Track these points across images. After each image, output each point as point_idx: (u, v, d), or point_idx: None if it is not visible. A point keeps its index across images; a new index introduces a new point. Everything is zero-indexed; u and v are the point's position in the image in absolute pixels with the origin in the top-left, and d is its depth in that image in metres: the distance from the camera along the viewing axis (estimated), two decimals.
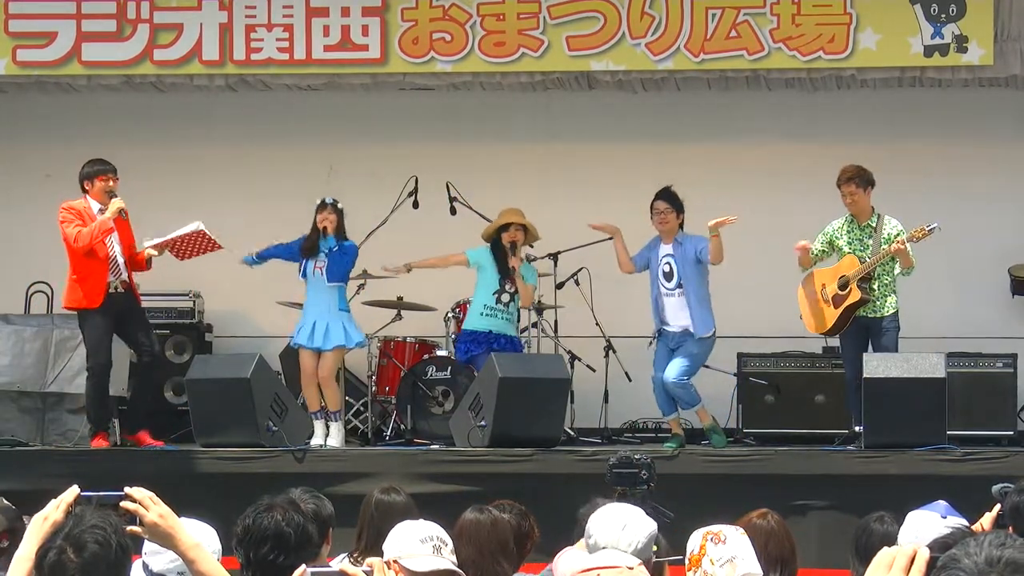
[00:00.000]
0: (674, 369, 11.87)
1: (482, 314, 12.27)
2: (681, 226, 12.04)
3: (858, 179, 11.78)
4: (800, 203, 13.70)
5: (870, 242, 11.70)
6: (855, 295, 11.61)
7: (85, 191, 11.68)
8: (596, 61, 12.71)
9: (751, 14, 12.54)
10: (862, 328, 11.77)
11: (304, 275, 11.97)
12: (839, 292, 11.70)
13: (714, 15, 12.56)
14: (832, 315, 11.76)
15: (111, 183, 11.65)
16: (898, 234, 11.56)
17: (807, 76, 12.83)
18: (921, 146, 13.42)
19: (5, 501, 5.83)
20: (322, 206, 11.95)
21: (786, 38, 12.54)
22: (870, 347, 11.70)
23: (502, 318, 12.25)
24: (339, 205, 11.95)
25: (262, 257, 12.16)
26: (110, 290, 11.57)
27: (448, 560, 4.93)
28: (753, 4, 12.54)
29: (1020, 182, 13.69)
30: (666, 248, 12.00)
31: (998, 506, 6.08)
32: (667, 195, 12.01)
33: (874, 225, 11.74)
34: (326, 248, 11.86)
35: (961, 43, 12.39)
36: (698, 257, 11.84)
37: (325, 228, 11.82)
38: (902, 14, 12.43)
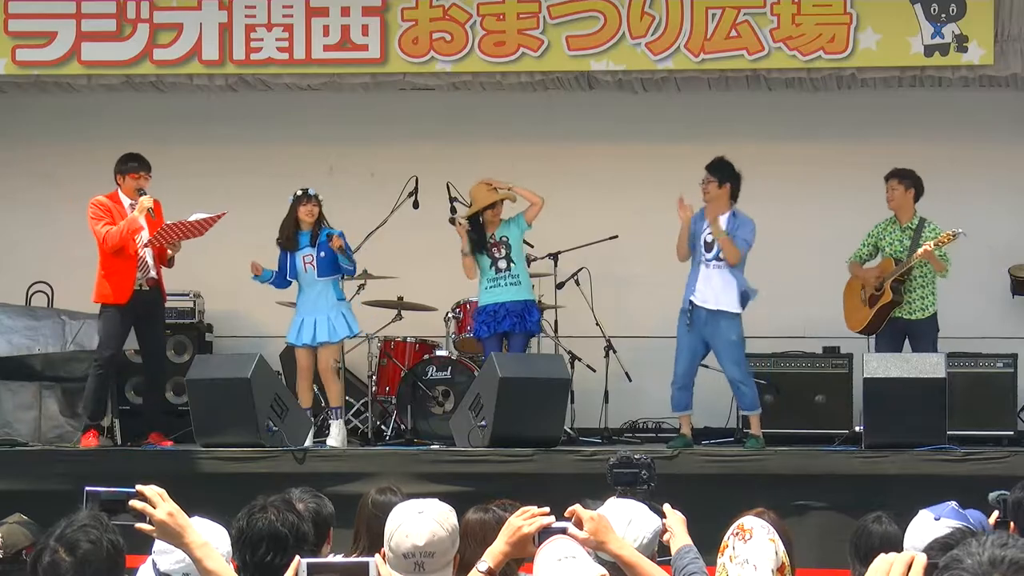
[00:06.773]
0: (735, 364, 11.67)
1: (487, 288, 12.25)
2: (735, 198, 11.81)
3: (900, 177, 11.96)
4: (800, 203, 13.72)
5: (909, 244, 11.79)
6: (887, 296, 11.81)
7: (118, 185, 11.75)
8: (596, 61, 12.70)
9: (751, 14, 12.54)
10: (899, 330, 11.90)
11: (295, 274, 11.99)
12: (875, 292, 11.84)
13: (714, 15, 12.56)
14: (867, 315, 11.96)
15: (143, 181, 11.72)
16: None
17: (807, 76, 12.83)
18: (921, 146, 13.40)
19: (25, 517, 5.83)
20: (306, 198, 11.96)
21: (786, 38, 12.54)
22: (906, 349, 11.78)
23: (506, 284, 12.21)
24: (320, 197, 12.00)
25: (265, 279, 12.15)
26: (135, 287, 11.62)
27: None
28: (753, 4, 12.54)
29: (1020, 182, 13.69)
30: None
31: (996, 512, 6.11)
32: (711, 164, 11.84)
33: (914, 227, 11.83)
34: (312, 241, 11.88)
35: (961, 43, 12.39)
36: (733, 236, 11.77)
37: (319, 224, 11.84)
38: (902, 14, 12.43)
